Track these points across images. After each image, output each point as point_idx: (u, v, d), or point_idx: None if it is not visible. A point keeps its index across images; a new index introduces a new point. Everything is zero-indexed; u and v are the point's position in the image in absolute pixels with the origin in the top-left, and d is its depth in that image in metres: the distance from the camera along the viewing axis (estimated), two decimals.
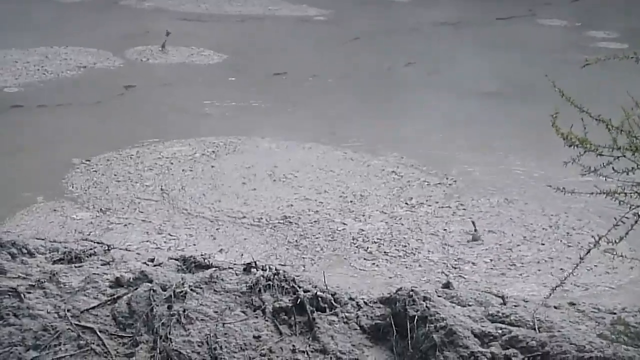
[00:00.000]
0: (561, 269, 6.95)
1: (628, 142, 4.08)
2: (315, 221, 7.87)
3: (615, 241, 4.28)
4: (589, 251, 4.44)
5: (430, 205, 8.31)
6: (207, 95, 11.31)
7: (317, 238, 7.55)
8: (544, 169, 9.10)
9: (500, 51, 14.54)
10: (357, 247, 7.42)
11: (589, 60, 4.32)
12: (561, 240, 7.61)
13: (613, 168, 4.18)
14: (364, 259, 7.21)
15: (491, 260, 7.22)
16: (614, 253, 5.95)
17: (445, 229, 7.77)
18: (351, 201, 8.34)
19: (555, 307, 5.01)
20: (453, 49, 14.87)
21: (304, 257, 7.18)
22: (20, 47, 13.43)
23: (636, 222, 4.10)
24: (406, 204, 8.34)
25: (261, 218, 7.89)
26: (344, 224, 7.86)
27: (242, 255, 7.05)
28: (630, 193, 4.12)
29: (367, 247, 7.40)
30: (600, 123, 4.18)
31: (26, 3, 16.77)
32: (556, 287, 4.63)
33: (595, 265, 7.06)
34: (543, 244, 7.54)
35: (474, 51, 14.25)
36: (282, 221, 7.85)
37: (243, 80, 12.46)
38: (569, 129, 4.15)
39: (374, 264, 7.14)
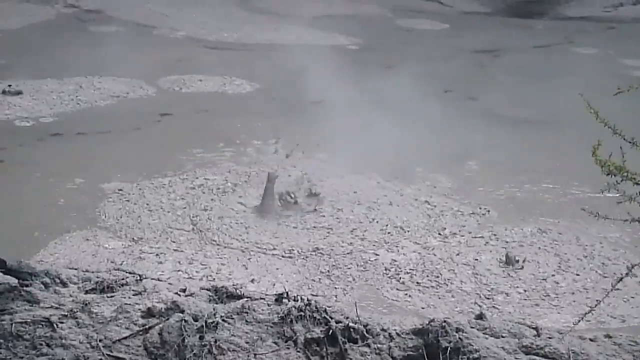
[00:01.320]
0: (597, 300, 6.86)
1: None
2: (348, 252, 7.84)
3: None
4: (621, 279, 4.40)
5: (463, 236, 8.25)
6: (242, 125, 11.34)
7: (349, 269, 7.52)
8: (578, 198, 9.03)
9: (536, 79, 14.50)
10: (389, 277, 7.39)
11: (621, 89, 4.30)
12: (596, 271, 7.53)
13: None
14: (397, 289, 7.18)
15: (525, 290, 7.15)
16: None
17: (477, 259, 7.71)
18: (389, 232, 8.29)
19: (591, 340, 4.94)
20: (490, 76, 14.82)
21: (336, 288, 7.16)
22: (56, 77, 13.55)
23: None
24: (439, 234, 8.29)
25: (292, 249, 7.86)
26: (377, 254, 7.82)
27: (273, 285, 7.04)
28: None
29: (400, 278, 7.36)
30: (634, 146, 4.14)
31: (62, 33, 16.98)
32: (586, 313, 4.57)
33: (632, 297, 6.97)
34: (578, 274, 7.46)
35: (510, 79, 14.21)
36: (313, 253, 7.82)
37: (277, 108, 12.50)
38: (608, 157, 4.12)
39: (406, 294, 7.10)
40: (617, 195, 4.28)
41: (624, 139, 4.19)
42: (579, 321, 4.79)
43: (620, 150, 4.18)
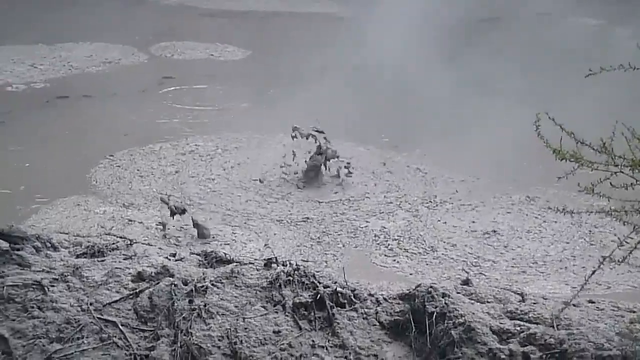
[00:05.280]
0: (583, 267, 6.93)
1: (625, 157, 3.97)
2: (339, 221, 7.89)
3: (618, 261, 4.17)
4: (593, 272, 4.42)
5: (452, 203, 8.30)
6: (234, 92, 11.31)
7: (339, 235, 7.57)
8: (566, 168, 9.02)
9: (528, 49, 14.40)
10: (378, 244, 7.44)
11: (592, 71, 4.27)
12: (584, 239, 7.58)
13: (611, 183, 4.08)
14: (385, 255, 7.23)
15: (513, 258, 7.20)
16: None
17: (466, 227, 7.76)
18: (390, 202, 8.34)
19: (574, 305, 4.99)
20: (484, 46, 14.65)
21: (326, 254, 7.21)
22: (47, 43, 13.50)
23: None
24: (430, 201, 8.33)
25: (281, 220, 7.89)
26: (367, 221, 7.87)
27: (262, 248, 7.09)
28: (630, 211, 4.02)
29: (389, 244, 7.42)
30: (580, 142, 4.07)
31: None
32: (579, 290, 4.59)
33: (617, 264, 7.02)
34: (568, 242, 7.51)
35: (502, 49, 14.08)
36: (303, 221, 7.86)
37: (268, 75, 12.47)
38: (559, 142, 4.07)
39: (394, 260, 7.15)
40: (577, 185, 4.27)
41: (574, 137, 4.16)
42: (575, 296, 4.78)
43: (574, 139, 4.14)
